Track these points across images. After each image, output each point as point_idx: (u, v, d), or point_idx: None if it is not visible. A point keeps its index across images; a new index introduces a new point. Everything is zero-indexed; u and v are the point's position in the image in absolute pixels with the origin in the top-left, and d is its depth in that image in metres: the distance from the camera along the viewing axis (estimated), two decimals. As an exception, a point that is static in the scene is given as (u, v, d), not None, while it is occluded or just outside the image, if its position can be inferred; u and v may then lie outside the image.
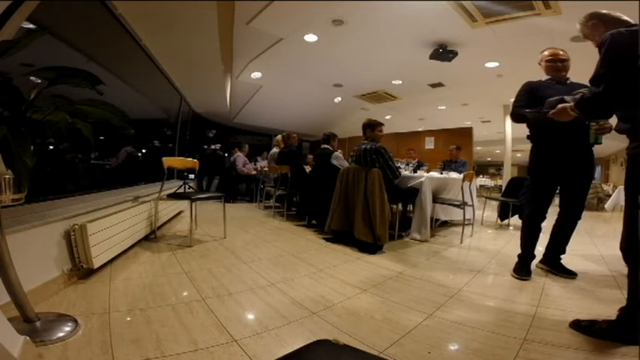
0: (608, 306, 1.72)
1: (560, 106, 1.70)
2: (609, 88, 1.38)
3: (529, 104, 2.15)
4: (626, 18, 1.54)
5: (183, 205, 4.15)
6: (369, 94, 7.63)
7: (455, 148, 5.60)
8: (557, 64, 2.21)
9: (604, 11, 1.62)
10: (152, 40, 3.40)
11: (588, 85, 1.52)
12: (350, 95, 7.69)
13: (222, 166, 6.99)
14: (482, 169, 19.08)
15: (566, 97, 1.82)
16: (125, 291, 1.73)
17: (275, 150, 5.54)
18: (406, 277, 2.18)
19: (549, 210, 2.23)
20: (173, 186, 3.73)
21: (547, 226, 2.32)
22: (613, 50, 1.37)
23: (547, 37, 3.78)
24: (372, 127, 3.22)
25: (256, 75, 6.15)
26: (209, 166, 6.75)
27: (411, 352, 1.26)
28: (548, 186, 2.20)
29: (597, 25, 1.63)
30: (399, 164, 3.98)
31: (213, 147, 7.10)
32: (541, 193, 2.21)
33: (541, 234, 2.27)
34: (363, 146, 3.12)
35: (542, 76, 2.30)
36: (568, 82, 2.21)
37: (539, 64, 2.30)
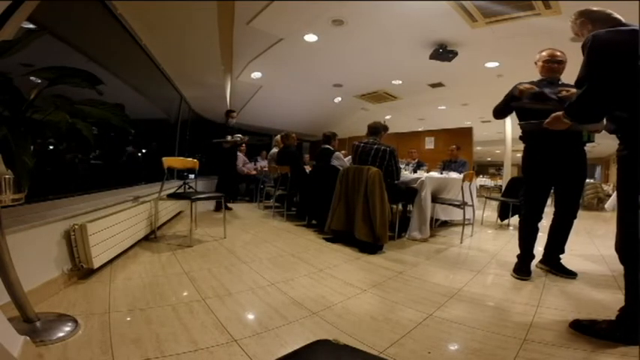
0: (608, 306, 1.72)
1: (553, 115, 1.69)
2: (592, 90, 1.38)
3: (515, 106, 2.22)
4: (616, 15, 1.52)
5: (183, 205, 4.15)
6: (369, 94, 7.63)
7: (455, 148, 5.61)
8: (553, 66, 2.21)
9: (594, 8, 1.60)
10: (152, 40, 3.40)
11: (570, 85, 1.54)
12: (350, 95, 7.69)
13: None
14: (482, 169, 19.08)
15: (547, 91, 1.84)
16: (125, 291, 1.73)
17: (275, 150, 5.53)
18: (406, 277, 2.18)
19: (547, 210, 2.23)
20: (173, 186, 3.73)
21: (546, 225, 2.33)
22: (595, 51, 1.37)
23: (547, 37, 3.78)
24: (384, 130, 3.34)
25: (256, 75, 6.15)
26: (228, 165, 5.14)
27: (411, 352, 1.26)
28: (542, 186, 2.21)
29: (585, 23, 1.63)
30: (399, 164, 3.99)
31: (231, 138, 4.97)
32: (535, 193, 2.22)
33: (540, 234, 2.28)
34: (375, 146, 3.13)
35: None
36: (560, 82, 2.21)
37: (536, 63, 2.31)
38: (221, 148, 4.99)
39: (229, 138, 4.99)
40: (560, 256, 2.31)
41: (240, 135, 5.10)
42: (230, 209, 4.87)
